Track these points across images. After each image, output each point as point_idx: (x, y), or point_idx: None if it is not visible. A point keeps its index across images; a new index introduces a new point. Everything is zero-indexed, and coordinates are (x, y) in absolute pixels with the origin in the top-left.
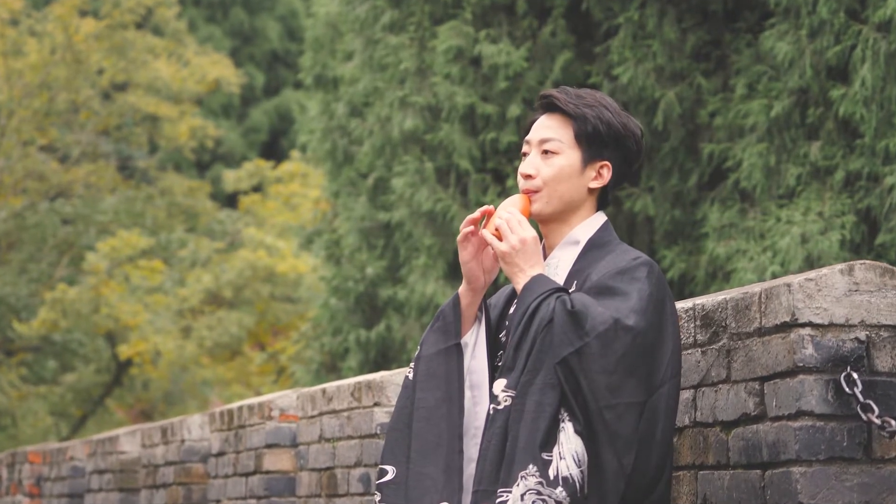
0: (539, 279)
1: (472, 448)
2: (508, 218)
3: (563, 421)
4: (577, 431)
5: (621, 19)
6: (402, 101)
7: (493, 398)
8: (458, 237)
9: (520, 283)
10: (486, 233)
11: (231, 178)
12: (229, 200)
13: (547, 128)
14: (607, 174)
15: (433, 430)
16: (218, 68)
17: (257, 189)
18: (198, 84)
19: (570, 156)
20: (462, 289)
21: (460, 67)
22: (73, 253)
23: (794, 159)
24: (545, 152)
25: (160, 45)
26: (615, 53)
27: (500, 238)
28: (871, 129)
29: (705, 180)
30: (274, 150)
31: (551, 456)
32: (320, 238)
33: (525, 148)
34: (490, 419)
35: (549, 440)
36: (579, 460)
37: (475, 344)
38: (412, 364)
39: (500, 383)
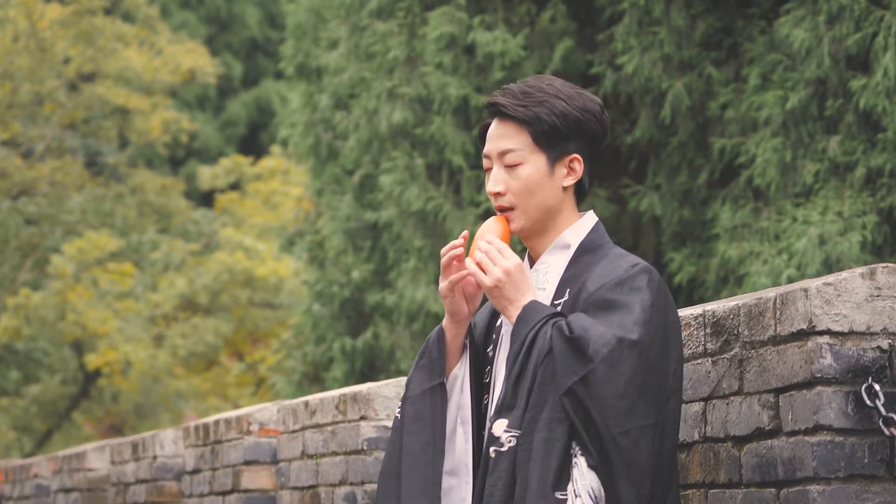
0: (531, 308)
1: (463, 488)
2: (488, 249)
3: (575, 456)
4: (590, 466)
5: (626, 4)
6: (391, 93)
7: (495, 440)
8: (444, 288)
9: (512, 315)
10: (471, 264)
11: (207, 175)
12: (205, 199)
13: (502, 137)
14: (579, 167)
15: (419, 476)
16: (193, 57)
17: (235, 187)
18: (171, 74)
19: (534, 162)
20: (446, 322)
21: (453, 56)
22: (38, 255)
23: (812, 155)
24: (508, 165)
25: (131, 33)
26: (619, 41)
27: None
28: (893, 122)
29: (716, 177)
30: (253, 144)
31: (566, 495)
32: (303, 239)
33: (486, 162)
34: (493, 463)
35: (562, 478)
36: (596, 497)
37: (463, 378)
38: (400, 404)
39: (502, 423)
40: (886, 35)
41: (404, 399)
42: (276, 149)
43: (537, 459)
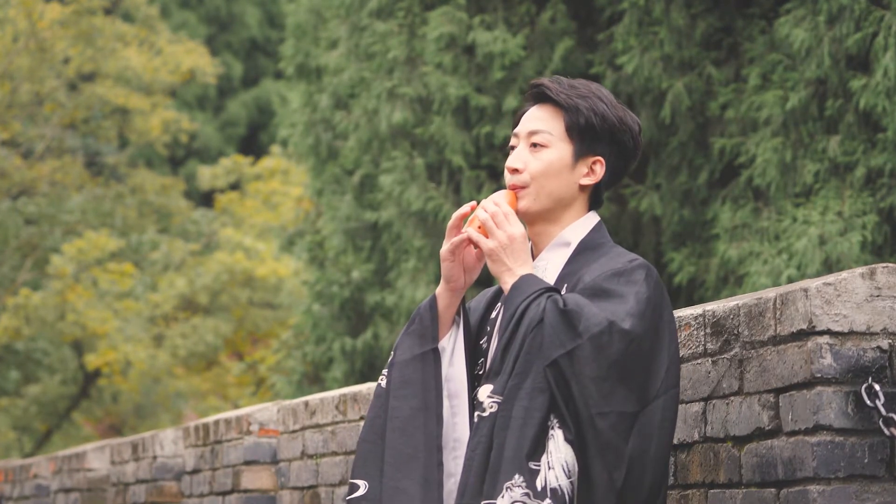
0: (528, 279)
1: (451, 462)
2: (494, 212)
3: (552, 428)
4: (567, 440)
5: (626, 4)
6: (391, 93)
7: (478, 405)
8: (445, 250)
9: (507, 282)
10: (471, 230)
11: (207, 175)
12: (205, 199)
13: (536, 119)
14: (600, 170)
15: (409, 441)
16: (193, 57)
17: (235, 187)
18: (171, 74)
19: (560, 149)
20: (440, 289)
21: (453, 56)
22: (37, 255)
23: (812, 155)
24: (534, 145)
25: (130, 33)
26: (619, 41)
27: (485, 234)
28: (893, 122)
29: (716, 177)
30: (253, 144)
31: (539, 465)
32: (302, 239)
33: (513, 140)
34: (475, 427)
35: (538, 449)
36: (569, 471)
37: (453, 350)
38: (385, 371)
39: (486, 389)
40: (886, 35)
41: (390, 365)
42: (275, 149)
43: (515, 428)
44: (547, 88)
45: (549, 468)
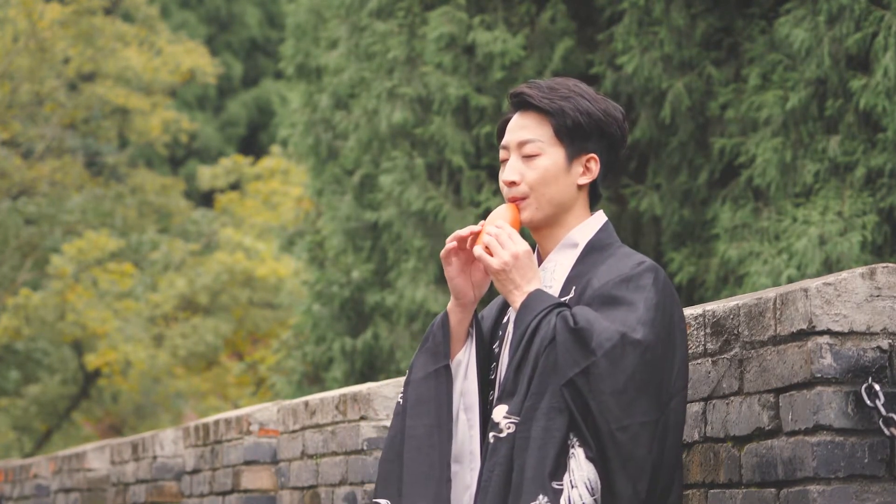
0: (537, 295)
1: (468, 474)
2: (498, 233)
3: (573, 447)
4: (588, 457)
5: (626, 4)
6: (391, 93)
7: (494, 426)
8: (442, 253)
9: (516, 300)
10: (478, 249)
11: (207, 175)
12: (205, 199)
13: (523, 128)
14: (595, 167)
15: (424, 459)
16: (193, 57)
17: (235, 187)
18: (171, 74)
19: (552, 155)
20: (451, 305)
21: (453, 56)
22: (37, 255)
23: (812, 155)
24: (526, 155)
25: (130, 33)
26: (619, 41)
27: (490, 255)
28: (893, 122)
29: (716, 177)
30: (253, 144)
31: (562, 485)
32: (302, 239)
33: (503, 154)
34: (491, 448)
35: (559, 468)
36: (592, 488)
37: (468, 364)
38: (402, 389)
39: (502, 410)
40: (886, 35)
41: (407, 383)
42: (275, 149)
43: (535, 448)
44: (528, 96)
45: (573, 487)
